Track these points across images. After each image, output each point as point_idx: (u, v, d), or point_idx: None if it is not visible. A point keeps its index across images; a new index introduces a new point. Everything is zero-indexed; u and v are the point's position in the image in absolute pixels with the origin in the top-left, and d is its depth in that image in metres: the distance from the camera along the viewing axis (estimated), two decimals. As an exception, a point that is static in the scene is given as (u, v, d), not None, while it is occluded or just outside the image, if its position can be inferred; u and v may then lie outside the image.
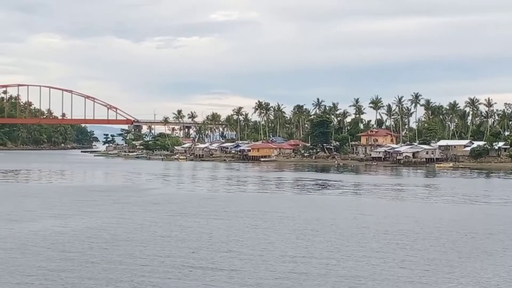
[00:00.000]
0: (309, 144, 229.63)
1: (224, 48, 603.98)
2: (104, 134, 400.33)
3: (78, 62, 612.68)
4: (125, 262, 40.07)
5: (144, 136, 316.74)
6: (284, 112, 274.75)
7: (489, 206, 78.54)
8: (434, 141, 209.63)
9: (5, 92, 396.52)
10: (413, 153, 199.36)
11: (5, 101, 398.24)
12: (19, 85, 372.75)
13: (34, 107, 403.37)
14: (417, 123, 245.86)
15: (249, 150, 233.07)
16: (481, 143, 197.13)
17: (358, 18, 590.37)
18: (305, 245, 46.76)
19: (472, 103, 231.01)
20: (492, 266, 39.76)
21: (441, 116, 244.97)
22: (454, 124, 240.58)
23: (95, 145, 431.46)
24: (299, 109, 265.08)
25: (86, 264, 39.51)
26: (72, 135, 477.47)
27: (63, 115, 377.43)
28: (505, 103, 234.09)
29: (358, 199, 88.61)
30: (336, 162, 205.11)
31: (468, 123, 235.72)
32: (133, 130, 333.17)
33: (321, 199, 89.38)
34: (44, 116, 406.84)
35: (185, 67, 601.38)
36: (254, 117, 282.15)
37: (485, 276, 36.93)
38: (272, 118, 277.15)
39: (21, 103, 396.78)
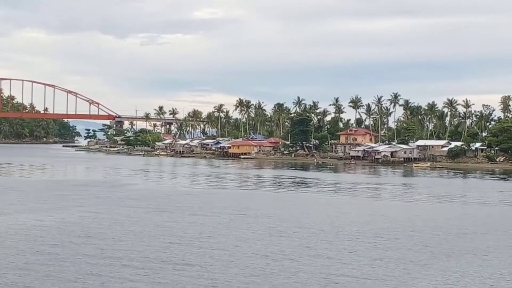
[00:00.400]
0: (289, 142, 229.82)
1: (208, 45, 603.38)
2: (86, 129, 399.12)
3: (63, 57, 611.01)
4: (94, 257, 39.49)
5: (125, 131, 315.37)
6: (264, 110, 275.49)
7: (464, 206, 78.43)
8: (412, 141, 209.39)
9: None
10: (392, 153, 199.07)
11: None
12: (1, 79, 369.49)
13: (17, 101, 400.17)
14: (396, 123, 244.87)
15: (229, 147, 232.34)
16: (459, 143, 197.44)
17: (341, 18, 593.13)
18: (276, 242, 46.31)
19: (450, 104, 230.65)
20: (462, 265, 39.60)
21: (419, 116, 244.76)
22: (433, 124, 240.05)
23: (77, 140, 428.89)
24: (279, 107, 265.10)
25: (55, 259, 38.93)
26: (54, 130, 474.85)
27: (46, 109, 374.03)
28: (483, 105, 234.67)
29: (334, 198, 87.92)
30: (315, 160, 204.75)
31: (446, 124, 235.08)
32: (114, 125, 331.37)
33: (298, 197, 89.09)
34: (27, 110, 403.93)
35: (169, 64, 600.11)
36: (235, 114, 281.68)
37: (453, 275, 36.77)
38: (253, 115, 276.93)
39: (4, 97, 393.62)
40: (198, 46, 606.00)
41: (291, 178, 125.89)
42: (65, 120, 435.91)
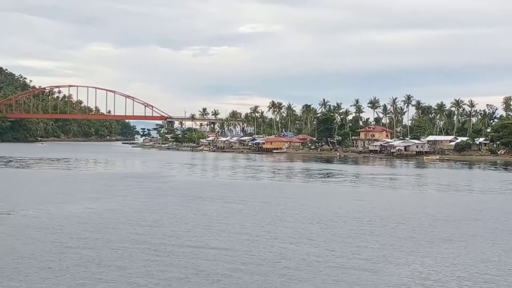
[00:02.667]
0: (315, 138, 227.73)
1: (250, 56, 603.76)
2: (142, 129, 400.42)
3: (126, 67, 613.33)
4: (134, 241, 37.25)
5: (175, 130, 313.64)
6: (294, 110, 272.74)
7: (469, 194, 74.26)
8: (423, 137, 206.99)
9: (59, 92, 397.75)
10: (405, 147, 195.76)
11: (59, 99, 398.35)
12: (69, 85, 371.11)
13: (84, 105, 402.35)
14: (410, 121, 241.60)
15: (263, 143, 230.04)
16: (465, 138, 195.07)
17: (362, 31, 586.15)
18: (286, 229, 42.40)
19: (457, 104, 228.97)
20: (460, 250, 36.23)
21: (430, 115, 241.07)
22: (442, 122, 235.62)
23: (137, 138, 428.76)
24: (307, 108, 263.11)
25: (101, 242, 37.25)
26: (117, 129, 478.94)
27: (109, 112, 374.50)
28: (487, 104, 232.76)
29: (354, 187, 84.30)
30: (338, 154, 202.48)
31: (454, 121, 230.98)
32: (166, 125, 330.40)
33: (324, 187, 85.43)
34: (92, 113, 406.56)
35: (216, 72, 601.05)
36: (269, 114, 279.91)
37: (447, 260, 33.33)
38: (284, 115, 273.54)
39: (73, 101, 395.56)
40: (241, 57, 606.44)
41: (317, 170, 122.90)
42: (127, 120, 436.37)
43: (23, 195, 65.12)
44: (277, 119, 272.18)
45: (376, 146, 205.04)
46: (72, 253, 33.93)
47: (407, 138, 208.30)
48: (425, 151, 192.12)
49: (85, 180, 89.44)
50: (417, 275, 30.13)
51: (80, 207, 54.79)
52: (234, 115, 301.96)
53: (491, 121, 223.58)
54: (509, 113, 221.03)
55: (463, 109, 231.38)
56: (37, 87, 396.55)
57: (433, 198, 69.69)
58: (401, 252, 35.58)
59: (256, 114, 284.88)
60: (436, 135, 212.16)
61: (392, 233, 42.56)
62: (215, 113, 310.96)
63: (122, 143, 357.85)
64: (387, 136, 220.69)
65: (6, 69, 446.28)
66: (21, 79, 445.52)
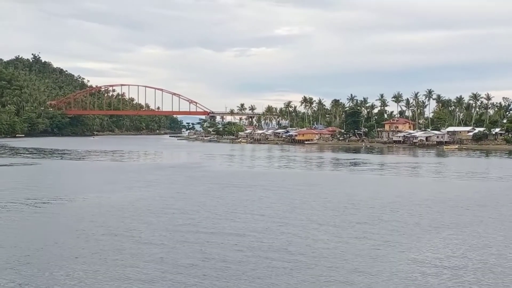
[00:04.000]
0: (344, 130, 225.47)
1: (286, 56, 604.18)
2: (187, 123, 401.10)
3: (174, 67, 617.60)
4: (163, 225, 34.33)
5: (217, 124, 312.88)
6: (324, 105, 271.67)
7: (486, 182, 70.98)
8: (443, 128, 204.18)
9: (113, 90, 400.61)
10: (426, 137, 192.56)
11: (113, 97, 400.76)
12: (122, 84, 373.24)
13: (135, 102, 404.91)
14: (431, 113, 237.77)
15: (296, 135, 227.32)
16: (482, 129, 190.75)
17: (388, 31, 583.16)
18: (328, 213, 39.79)
19: (475, 97, 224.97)
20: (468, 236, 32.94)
21: (449, 108, 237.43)
22: (461, 114, 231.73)
23: (183, 131, 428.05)
24: (336, 102, 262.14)
25: (138, 226, 36.29)
26: (165, 123, 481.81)
27: (157, 108, 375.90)
28: (503, 97, 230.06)
29: (378, 175, 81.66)
30: (364, 144, 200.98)
31: (472, 114, 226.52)
32: (209, 119, 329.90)
33: (353, 175, 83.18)
34: (143, 109, 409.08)
35: (255, 71, 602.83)
36: (302, 108, 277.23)
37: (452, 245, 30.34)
38: (316, 109, 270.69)
39: (125, 99, 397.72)
40: (277, 57, 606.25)
41: (345, 159, 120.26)
42: (174, 115, 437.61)
43: (74, 184, 64.15)
44: (309, 113, 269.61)
45: (399, 136, 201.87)
46: (116, 238, 32.77)
47: (428, 129, 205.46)
48: (445, 141, 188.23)
49: (133, 170, 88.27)
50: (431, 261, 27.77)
51: (127, 194, 53.82)
52: (269, 110, 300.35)
53: (507, 113, 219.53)
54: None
55: (481, 102, 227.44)
56: (93, 86, 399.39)
57: (453, 185, 66.42)
58: (413, 238, 33.21)
59: (290, 109, 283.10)
60: (455, 126, 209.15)
61: (412, 219, 40.15)
62: (252, 108, 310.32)
63: (169, 136, 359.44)
64: (409, 127, 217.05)
65: (66, 71, 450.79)
66: (80, 79, 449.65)
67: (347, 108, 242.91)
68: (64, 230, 35.39)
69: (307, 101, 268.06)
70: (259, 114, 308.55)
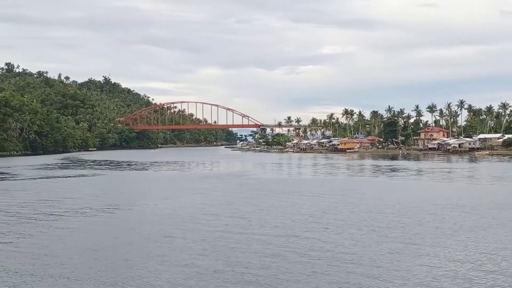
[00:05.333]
0: (382, 139, 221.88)
1: (331, 73, 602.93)
2: (240, 135, 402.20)
3: (229, 85, 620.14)
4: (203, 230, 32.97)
5: (267, 135, 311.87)
6: (364, 116, 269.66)
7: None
8: (475, 135, 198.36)
9: (174, 107, 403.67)
10: (459, 144, 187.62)
11: (175, 113, 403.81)
12: (182, 102, 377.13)
13: (195, 117, 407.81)
14: (464, 122, 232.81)
15: (338, 144, 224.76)
16: (511, 136, 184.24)
17: (423, 48, 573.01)
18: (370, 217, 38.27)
19: (504, 106, 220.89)
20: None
21: (480, 117, 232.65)
22: (491, 122, 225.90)
23: (238, 143, 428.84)
24: (375, 113, 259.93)
25: (174, 231, 33.15)
26: (222, 136, 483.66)
27: (214, 122, 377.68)
28: None
29: (414, 180, 78.76)
30: (401, 151, 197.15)
31: (501, 121, 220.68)
32: (260, 131, 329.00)
33: (391, 180, 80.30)
34: (201, 123, 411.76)
35: (304, 87, 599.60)
36: (344, 120, 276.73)
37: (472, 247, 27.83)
38: (356, 120, 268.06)
39: (186, 114, 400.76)
40: (323, 74, 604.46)
41: (385, 166, 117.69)
42: (230, 128, 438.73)
43: (137, 192, 63.91)
44: (350, 124, 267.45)
45: (434, 144, 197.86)
46: (170, 240, 32.28)
47: (461, 137, 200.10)
48: (476, 148, 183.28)
49: (188, 179, 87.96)
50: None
51: (175, 202, 52.78)
52: (314, 121, 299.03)
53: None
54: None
55: (510, 111, 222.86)
56: (157, 104, 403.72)
57: (486, 189, 63.60)
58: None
59: (332, 120, 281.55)
60: (486, 133, 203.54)
61: (441, 223, 38.04)
62: (298, 121, 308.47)
63: (225, 147, 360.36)
64: (443, 135, 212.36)
65: (133, 90, 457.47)
66: (145, 98, 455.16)
67: (385, 119, 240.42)
68: (119, 235, 34.83)
69: (348, 113, 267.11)
70: (304, 126, 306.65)
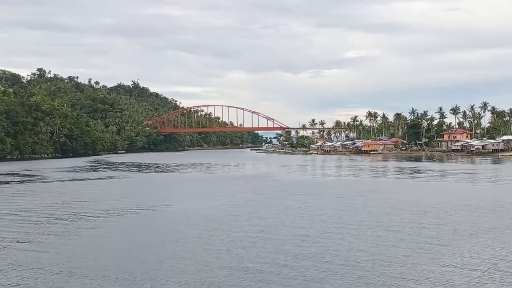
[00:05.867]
0: (406, 141, 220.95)
1: (355, 76, 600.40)
2: (265, 137, 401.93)
3: (257, 89, 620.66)
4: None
5: (292, 138, 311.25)
6: (388, 118, 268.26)
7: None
8: (498, 137, 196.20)
9: (201, 111, 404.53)
10: (483, 146, 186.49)
11: (201, 116, 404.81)
12: (208, 105, 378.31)
13: (221, 120, 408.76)
14: (488, 123, 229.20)
15: (362, 146, 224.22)
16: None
17: (447, 51, 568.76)
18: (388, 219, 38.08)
19: None
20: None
21: (504, 118, 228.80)
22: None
23: (263, 145, 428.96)
24: (398, 116, 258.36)
25: (192, 231, 32.88)
26: (247, 138, 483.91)
27: (240, 124, 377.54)
28: None
29: (437, 181, 77.94)
30: (425, 153, 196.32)
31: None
32: (284, 134, 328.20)
33: (414, 181, 79.38)
34: (227, 126, 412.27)
35: (328, 90, 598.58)
36: (367, 122, 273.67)
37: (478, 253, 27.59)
38: (380, 123, 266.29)
39: (212, 118, 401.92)
40: (348, 77, 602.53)
41: (408, 168, 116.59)
42: (256, 131, 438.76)
43: (162, 194, 64.32)
44: (374, 126, 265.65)
45: (457, 145, 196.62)
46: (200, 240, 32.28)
47: (485, 138, 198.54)
48: (500, 149, 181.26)
49: (212, 180, 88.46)
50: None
51: (206, 203, 53.01)
52: (338, 124, 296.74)
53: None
54: None
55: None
56: (184, 107, 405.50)
57: (506, 191, 62.65)
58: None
59: (356, 123, 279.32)
60: (510, 135, 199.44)
61: (462, 224, 37.47)
62: (322, 123, 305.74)
63: (250, 149, 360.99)
64: (467, 137, 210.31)
65: (161, 94, 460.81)
66: (173, 102, 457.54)
67: (409, 121, 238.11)
68: (145, 236, 35.04)
69: (371, 115, 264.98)
70: (329, 128, 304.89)
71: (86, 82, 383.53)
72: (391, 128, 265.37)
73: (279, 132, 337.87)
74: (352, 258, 27.33)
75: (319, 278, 23.92)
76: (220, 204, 51.43)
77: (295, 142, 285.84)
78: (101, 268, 26.63)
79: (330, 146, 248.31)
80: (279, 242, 31.97)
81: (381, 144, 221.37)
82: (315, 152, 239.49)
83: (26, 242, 33.80)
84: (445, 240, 31.57)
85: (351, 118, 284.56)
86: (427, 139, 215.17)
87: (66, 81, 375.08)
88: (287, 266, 26.06)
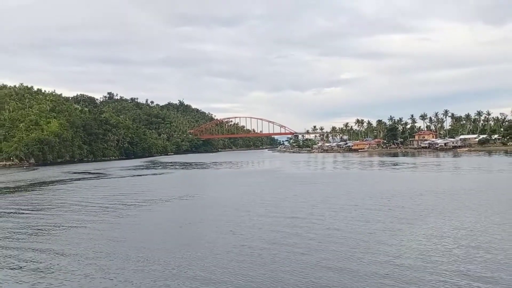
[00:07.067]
0: (385, 141, 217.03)
1: (348, 93, 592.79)
2: (279, 140, 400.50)
3: (273, 104, 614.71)
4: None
5: (299, 141, 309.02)
6: (372, 124, 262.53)
7: (489, 174, 64.93)
8: (457, 136, 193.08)
9: (231, 121, 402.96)
10: (445, 143, 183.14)
11: (231, 125, 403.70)
12: (235, 117, 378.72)
13: (246, 128, 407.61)
14: (449, 126, 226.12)
15: (352, 146, 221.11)
16: (485, 136, 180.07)
17: (419, 71, 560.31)
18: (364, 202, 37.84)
19: (479, 113, 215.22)
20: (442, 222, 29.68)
21: (461, 122, 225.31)
22: (470, 126, 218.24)
23: (278, 146, 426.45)
24: (379, 122, 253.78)
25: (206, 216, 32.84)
26: (266, 141, 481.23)
27: (260, 131, 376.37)
28: (500, 113, 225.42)
29: (409, 172, 76.10)
30: (400, 150, 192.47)
31: (478, 125, 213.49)
32: (293, 138, 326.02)
33: (390, 172, 77.91)
34: (250, 132, 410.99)
35: (328, 104, 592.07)
36: (356, 127, 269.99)
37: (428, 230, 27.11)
38: (366, 127, 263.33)
39: (239, 126, 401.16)
40: (343, 93, 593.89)
41: (388, 161, 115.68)
42: (272, 136, 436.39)
43: (200, 185, 64.09)
44: (361, 130, 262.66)
45: (426, 144, 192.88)
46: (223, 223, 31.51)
47: (446, 138, 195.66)
48: (458, 146, 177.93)
49: (238, 174, 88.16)
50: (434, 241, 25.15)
51: (232, 192, 52.53)
52: (333, 129, 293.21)
53: (503, 124, 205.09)
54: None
55: (484, 117, 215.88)
56: (218, 119, 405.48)
57: (461, 178, 61.57)
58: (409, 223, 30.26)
59: (348, 128, 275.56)
60: (466, 134, 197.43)
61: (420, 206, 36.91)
62: (321, 129, 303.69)
63: (268, 150, 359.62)
64: (433, 137, 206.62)
65: (201, 110, 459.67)
66: (209, 115, 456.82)
67: (388, 125, 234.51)
68: (188, 217, 35.01)
69: (359, 122, 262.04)
70: (327, 132, 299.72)
71: (144, 102, 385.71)
72: (374, 131, 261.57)
73: (290, 136, 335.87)
74: (329, 235, 27.06)
75: (303, 252, 23.88)
76: (242, 192, 51.33)
77: (301, 143, 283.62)
78: (160, 236, 27.45)
79: (328, 146, 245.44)
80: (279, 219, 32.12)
81: (367, 144, 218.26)
82: (316, 151, 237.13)
83: (104, 218, 34.76)
84: (404, 220, 31.09)
85: (344, 124, 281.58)
86: (402, 139, 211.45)
87: (128, 101, 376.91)
88: (279, 233, 26.18)
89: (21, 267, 22.50)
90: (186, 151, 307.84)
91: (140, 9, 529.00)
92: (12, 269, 22.28)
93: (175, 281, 19.40)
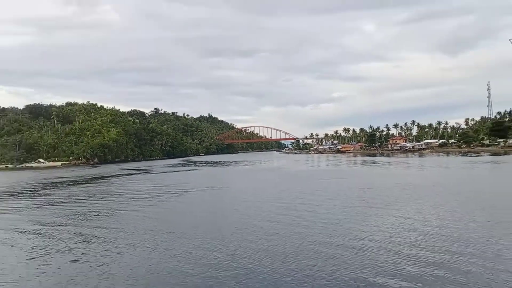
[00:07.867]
0: (367, 145, 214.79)
1: (338, 108, 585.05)
2: (285, 144, 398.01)
3: (280, 117, 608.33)
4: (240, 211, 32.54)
5: (300, 144, 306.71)
6: (356, 131, 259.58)
7: (447, 170, 63.51)
8: (422, 141, 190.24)
9: (248, 129, 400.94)
10: (413, 146, 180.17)
11: (248, 133, 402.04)
12: (251, 126, 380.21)
13: (259, 134, 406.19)
14: (416, 133, 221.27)
15: (341, 148, 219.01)
16: (444, 140, 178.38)
17: (392, 91, 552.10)
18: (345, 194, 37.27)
19: (439, 123, 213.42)
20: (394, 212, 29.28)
21: (425, 130, 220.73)
22: (432, 132, 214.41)
23: (284, 148, 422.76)
24: (362, 130, 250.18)
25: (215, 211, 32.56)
26: (275, 145, 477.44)
27: (270, 137, 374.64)
28: (455, 122, 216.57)
29: (388, 168, 74.71)
30: (378, 151, 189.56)
31: (438, 132, 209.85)
32: (295, 142, 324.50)
33: (371, 169, 76.33)
34: (263, 138, 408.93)
35: (324, 116, 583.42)
36: (343, 133, 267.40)
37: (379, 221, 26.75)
38: (351, 134, 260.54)
39: (254, 133, 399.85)
40: (334, 108, 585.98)
41: (368, 160, 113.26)
42: (279, 141, 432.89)
43: (224, 179, 62.91)
44: (348, 136, 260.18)
45: (398, 146, 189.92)
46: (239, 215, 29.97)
47: (414, 142, 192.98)
48: (423, 148, 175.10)
49: (252, 170, 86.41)
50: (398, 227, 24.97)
51: (244, 185, 51.09)
52: (326, 135, 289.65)
53: (458, 131, 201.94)
54: (467, 126, 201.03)
55: (443, 125, 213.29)
56: (238, 128, 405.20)
57: (423, 174, 60.18)
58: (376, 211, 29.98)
59: (337, 134, 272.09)
60: (429, 139, 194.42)
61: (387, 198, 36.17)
62: (317, 135, 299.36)
63: (276, 151, 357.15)
64: (403, 141, 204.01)
65: (225, 121, 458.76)
66: (231, 125, 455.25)
67: (368, 132, 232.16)
68: (214, 205, 34.58)
69: (346, 130, 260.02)
70: (321, 138, 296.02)
71: (182, 115, 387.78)
72: (358, 137, 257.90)
73: (293, 140, 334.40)
74: (313, 222, 26.44)
75: (292, 238, 23.88)
76: (256, 185, 50.88)
77: (301, 146, 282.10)
78: (191, 221, 26.94)
79: (322, 148, 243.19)
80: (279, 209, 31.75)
81: (352, 147, 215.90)
82: (313, 152, 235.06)
83: (151, 203, 34.86)
84: (374, 209, 30.54)
85: (334, 132, 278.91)
86: (379, 143, 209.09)
87: (170, 114, 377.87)
88: (275, 222, 26.08)
89: (91, 240, 23.52)
90: (213, 153, 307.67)
91: (180, 45, 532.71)
92: (85, 242, 23.25)
93: (214, 246, 19.94)
